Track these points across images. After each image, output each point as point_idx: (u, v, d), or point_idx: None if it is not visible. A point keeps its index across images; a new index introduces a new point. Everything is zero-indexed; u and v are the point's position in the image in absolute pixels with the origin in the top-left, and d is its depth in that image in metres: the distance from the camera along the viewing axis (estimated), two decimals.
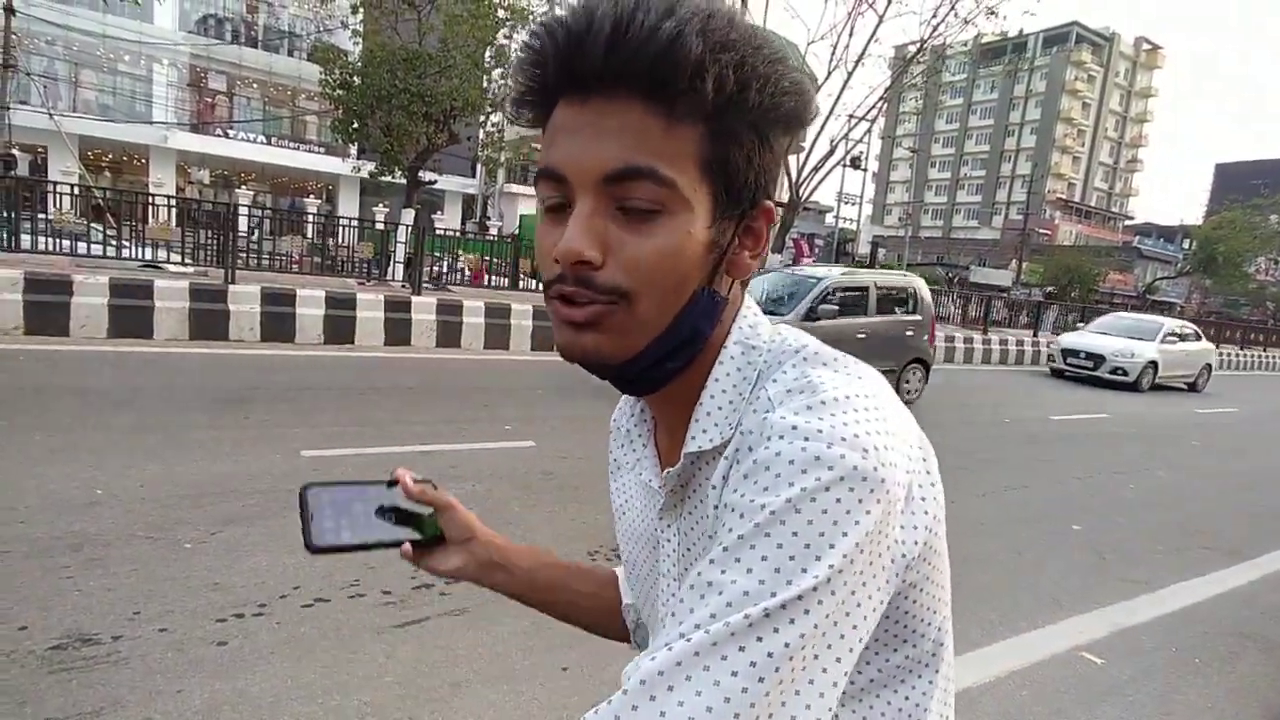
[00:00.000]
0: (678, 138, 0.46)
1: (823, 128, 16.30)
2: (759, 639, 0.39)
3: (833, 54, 15.20)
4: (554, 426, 5.93)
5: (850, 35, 15.01)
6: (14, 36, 15.87)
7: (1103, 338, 14.17)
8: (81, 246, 9.08)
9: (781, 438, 0.44)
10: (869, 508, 0.43)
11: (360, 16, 17.63)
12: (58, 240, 8.97)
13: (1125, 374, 13.22)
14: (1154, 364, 13.45)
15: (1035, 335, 18.38)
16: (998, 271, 40.54)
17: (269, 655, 2.46)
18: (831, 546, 0.41)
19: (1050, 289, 36.23)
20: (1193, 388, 14.93)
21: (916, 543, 0.48)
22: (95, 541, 3.08)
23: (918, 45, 15.89)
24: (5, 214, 8.67)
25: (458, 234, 15.80)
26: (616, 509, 0.70)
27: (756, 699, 0.39)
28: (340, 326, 8.55)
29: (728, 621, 0.40)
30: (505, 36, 17.88)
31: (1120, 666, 3.09)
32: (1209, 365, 15.25)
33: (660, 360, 0.52)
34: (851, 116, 17.22)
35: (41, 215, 9.38)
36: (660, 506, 0.58)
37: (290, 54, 26.22)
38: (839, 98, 15.31)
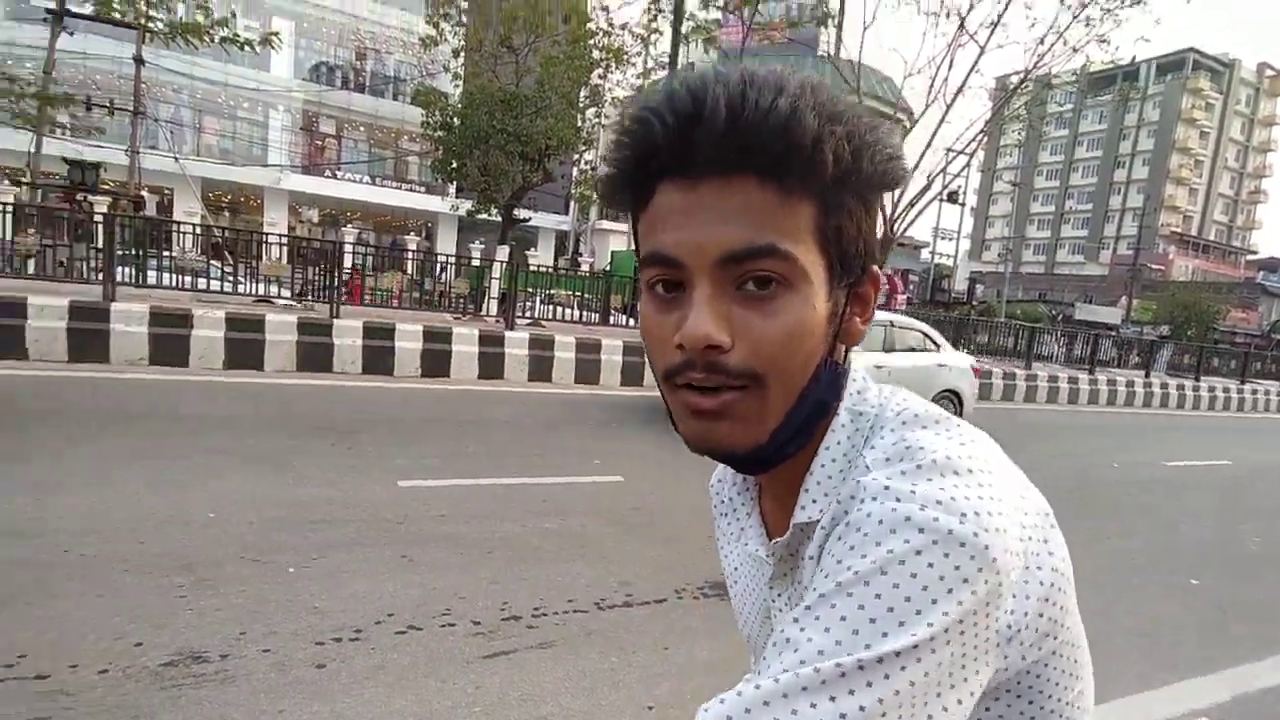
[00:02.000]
0: (794, 213, 0.48)
1: (919, 162, 15.99)
2: (831, 698, 0.39)
3: (931, 87, 14.91)
4: (641, 461, 5.93)
5: (949, 67, 14.67)
6: (143, 85, 17.91)
7: None
8: (202, 282, 9.99)
9: (874, 499, 0.45)
10: (966, 575, 0.41)
11: (461, 60, 18.86)
12: (180, 276, 9.91)
13: None
14: None
15: (1147, 376, 17.85)
16: (1105, 309, 39.48)
17: (364, 680, 2.54)
18: (918, 613, 0.40)
19: (1164, 327, 34.61)
20: None
21: (1031, 614, 0.46)
22: (206, 562, 3.30)
23: (1021, 75, 15.40)
24: (135, 252, 9.68)
25: (551, 270, 16.35)
26: (727, 576, 0.69)
27: None
28: (436, 360, 8.95)
29: (798, 674, 0.40)
30: (599, 76, 18.64)
31: None
32: None
33: (787, 442, 0.52)
34: (949, 150, 16.96)
35: (166, 253, 10.41)
36: (770, 576, 0.59)
37: (395, 98, 28.32)
38: (936, 131, 14.95)
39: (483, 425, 6.72)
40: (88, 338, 7.48)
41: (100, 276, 8.40)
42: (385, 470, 4.91)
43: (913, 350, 8.64)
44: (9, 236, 9.09)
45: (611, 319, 12.97)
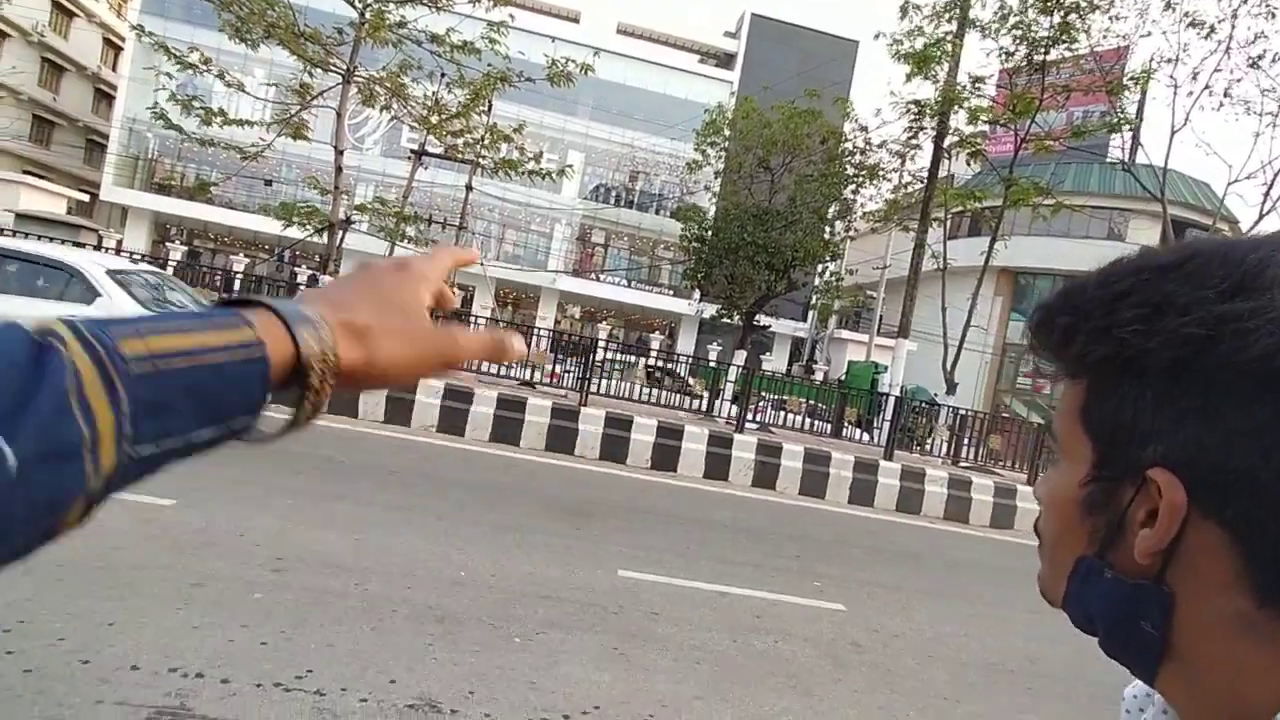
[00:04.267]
0: (1071, 390, 0.48)
1: None
2: None
3: (1265, 196, 12.66)
4: (870, 593, 5.43)
5: None
6: (469, 206, 21.76)
7: None
8: (482, 365, 11.57)
9: None
10: None
11: (719, 180, 20.30)
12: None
13: None
14: None
15: None
16: None
17: None
18: None
19: None
20: None
21: None
22: (454, 618, 3.64)
23: None
24: None
25: (785, 376, 16.30)
26: None
27: None
28: (666, 454, 9.24)
29: None
30: (852, 192, 18.79)
31: None
32: None
33: (1083, 626, 0.48)
34: None
35: None
36: None
37: (656, 212, 31.10)
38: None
39: (705, 526, 6.72)
40: (397, 404, 8.98)
41: None
42: (608, 557, 5.09)
43: None
44: None
45: (845, 433, 12.43)
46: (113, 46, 34.00)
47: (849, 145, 18.44)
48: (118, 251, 11.88)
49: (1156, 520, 0.42)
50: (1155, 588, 0.42)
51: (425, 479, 6.55)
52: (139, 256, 11.76)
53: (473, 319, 13.02)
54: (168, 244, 15.05)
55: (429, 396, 9.01)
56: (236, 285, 11.78)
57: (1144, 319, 0.42)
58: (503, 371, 11.48)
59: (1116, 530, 0.44)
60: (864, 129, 17.94)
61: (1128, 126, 14.71)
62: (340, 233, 13.69)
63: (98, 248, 10.87)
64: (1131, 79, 14.34)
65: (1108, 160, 21.91)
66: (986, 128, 16.51)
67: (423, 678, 3.00)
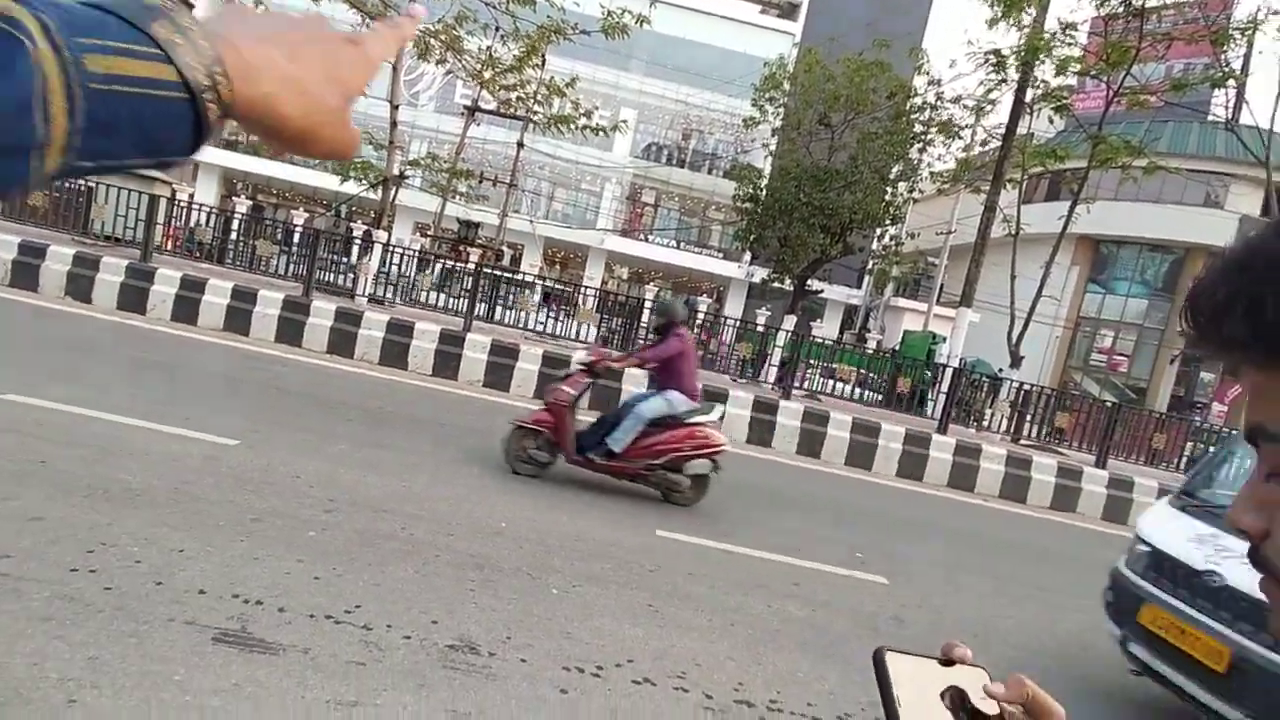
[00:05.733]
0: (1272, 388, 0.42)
1: None
2: None
3: None
4: (915, 568, 5.44)
5: None
6: (520, 164, 21.88)
7: None
8: (530, 321, 11.77)
9: None
10: None
11: (776, 138, 19.81)
12: (518, 315, 11.80)
13: None
14: None
15: None
16: None
17: (596, 718, 2.70)
18: None
19: None
20: None
21: None
22: (494, 566, 3.82)
23: None
24: (490, 294, 11.78)
25: (836, 344, 16.08)
26: None
27: None
28: None
29: None
30: (918, 150, 18.12)
31: None
32: None
33: None
34: None
35: (511, 298, 12.48)
36: None
37: (709, 172, 30.63)
38: None
39: (745, 491, 6.78)
40: (447, 359, 9.25)
41: (465, 312, 10.42)
42: (647, 515, 5.22)
43: None
44: (414, 274, 11.97)
45: (898, 404, 12.25)
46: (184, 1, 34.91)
47: (918, 100, 17.74)
48: (189, 205, 12.41)
49: None
50: None
51: (472, 433, 6.77)
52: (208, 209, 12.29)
53: (522, 276, 13.26)
54: (234, 198, 15.66)
55: (476, 352, 9.25)
56: (295, 239, 12.21)
57: None
58: (550, 329, 11.66)
59: None
60: (936, 82, 17.20)
61: (1232, 81, 13.73)
62: (394, 188, 13.99)
63: (171, 199, 11.36)
64: (1238, 29, 13.32)
65: (1209, 119, 20.54)
66: (1075, 80, 15.59)
67: (463, 620, 3.17)
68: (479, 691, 2.69)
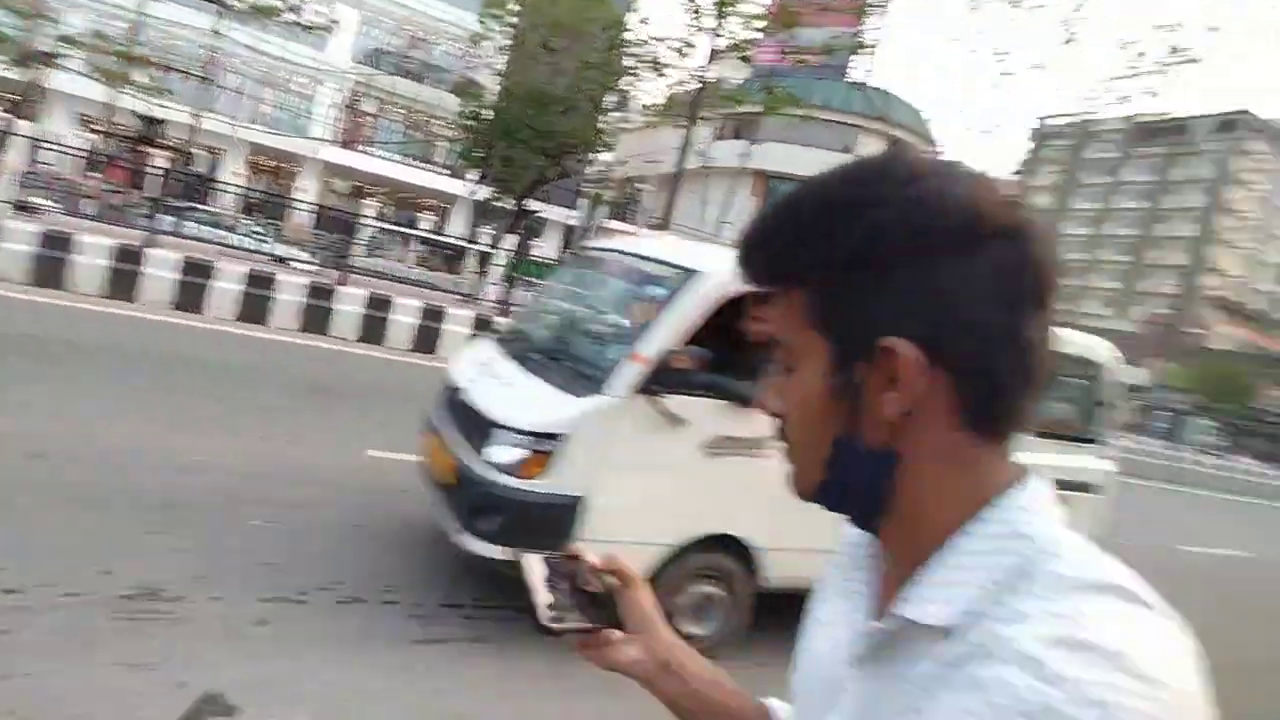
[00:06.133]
0: (789, 302, 0.50)
1: None
2: None
3: (964, 123, 14.80)
4: None
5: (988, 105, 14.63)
6: (215, 55, 17.99)
7: None
8: (233, 238, 10.09)
9: (1016, 665, 0.37)
10: None
11: (503, 58, 18.87)
12: (215, 230, 10.02)
13: None
14: None
15: (1174, 448, 16.91)
16: (1131, 369, 37.26)
17: (301, 644, 2.58)
18: None
19: (1198, 397, 31.95)
20: None
21: None
22: (184, 504, 3.37)
23: (1068, 120, 15.41)
24: (178, 204, 9.79)
25: (554, 262, 16.43)
26: (809, 620, 0.62)
27: None
28: (427, 336, 8.99)
29: None
30: (630, 84, 18.60)
31: None
32: None
33: (836, 504, 0.52)
34: None
35: (206, 208, 10.52)
36: (855, 655, 0.51)
37: (437, 85, 28.27)
38: None
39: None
40: (124, 278, 7.58)
41: (146, 222, 8.53)
42: (353, 438, 4.92)
43: None
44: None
45: None
46: None
47: (629, 36, 18.07)
48: None
49: (901, 384, 0.45)
50: (892, 451, 0.47)
51: (155, 360, 5.75)
52: None
53: (218, 185, 11.13)
54: None
55: (162, 270, 7.74)
56: None
57: (848, 218, 0.46)
58: (253, 245, 10.15)
59: (860, 408, 0.47)
60: (645, 21, 17.62)
61: (868, 51, 16.16)
62: (42, 69, 10.61)
63: None
64: (873, 4, 15.60)
65: (848, 81, 24.08)
66: (759, 34, 17.13)
67: (144, 567, 2.79)
68: (162, 638, 2.42)
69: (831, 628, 0.57)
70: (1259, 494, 16.55)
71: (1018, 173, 14.97)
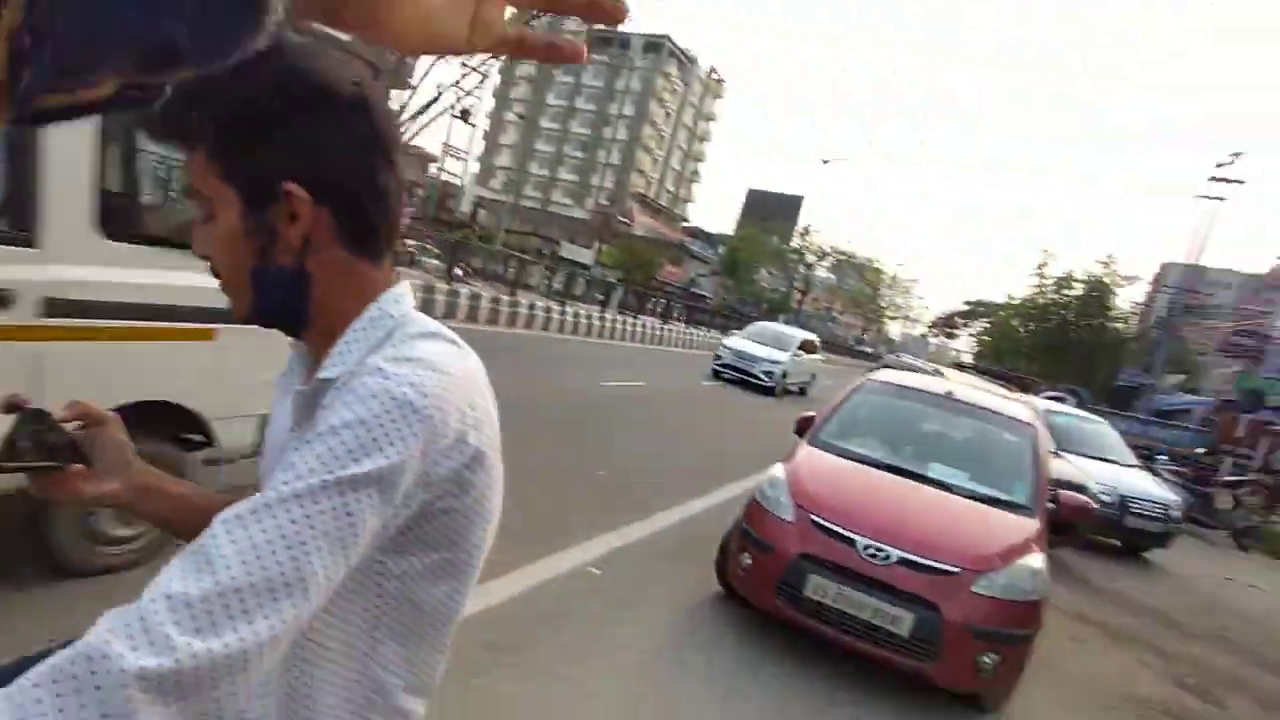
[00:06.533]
0: (197, 160, 0.61)
1: (429, 71, 15.68)
2: (301, 505, 0.52)
3: None
4: None
5: None
6: None
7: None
8: None
9: (370, 375, 0.58)
10: (413, 433, 0.56)
11: None
12: None
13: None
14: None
15: (604, 312, 20.88)
16: (583, 250, 40.77)
17: None
18: (368, 456, 0.54)
19: (620, 273, 38.16)
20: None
21: (455, 470, 0.61)
22: None
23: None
24: None
25: None
26: (269, 428, 0.78)
27: (293, 543, 0.51)
28: None
29: (293, 485, 0.53)
30: None
31: (614, 575, 3.68)
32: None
33: (269, 321, 0.66)
34: (464, 65, 16.82)
35: None
36: (293, 423, 0.68)
37: None
38: None
39: None
40: None
41: None
42: None
43: None
44: None
45: None
46: None
47: None
48: None
49: (298, 218, 0.61)
50: (302, 271, 0.63)
51: None
52: None
53: None
54: None
55: None
56: None
57: (226, 88, 0.57)
58: None
59: (271, 241, 0.61)
60: None
61: None
62: None
63: None
64: None
65: None
66: None
67: None
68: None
69: (280, 419, 0.74)
70: (655, 342, 21.04)
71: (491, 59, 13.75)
